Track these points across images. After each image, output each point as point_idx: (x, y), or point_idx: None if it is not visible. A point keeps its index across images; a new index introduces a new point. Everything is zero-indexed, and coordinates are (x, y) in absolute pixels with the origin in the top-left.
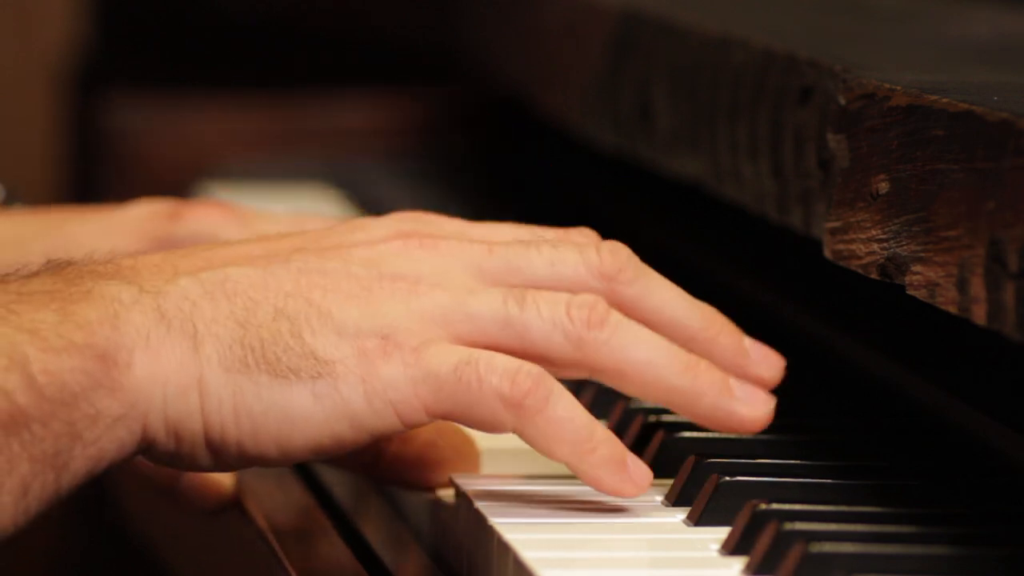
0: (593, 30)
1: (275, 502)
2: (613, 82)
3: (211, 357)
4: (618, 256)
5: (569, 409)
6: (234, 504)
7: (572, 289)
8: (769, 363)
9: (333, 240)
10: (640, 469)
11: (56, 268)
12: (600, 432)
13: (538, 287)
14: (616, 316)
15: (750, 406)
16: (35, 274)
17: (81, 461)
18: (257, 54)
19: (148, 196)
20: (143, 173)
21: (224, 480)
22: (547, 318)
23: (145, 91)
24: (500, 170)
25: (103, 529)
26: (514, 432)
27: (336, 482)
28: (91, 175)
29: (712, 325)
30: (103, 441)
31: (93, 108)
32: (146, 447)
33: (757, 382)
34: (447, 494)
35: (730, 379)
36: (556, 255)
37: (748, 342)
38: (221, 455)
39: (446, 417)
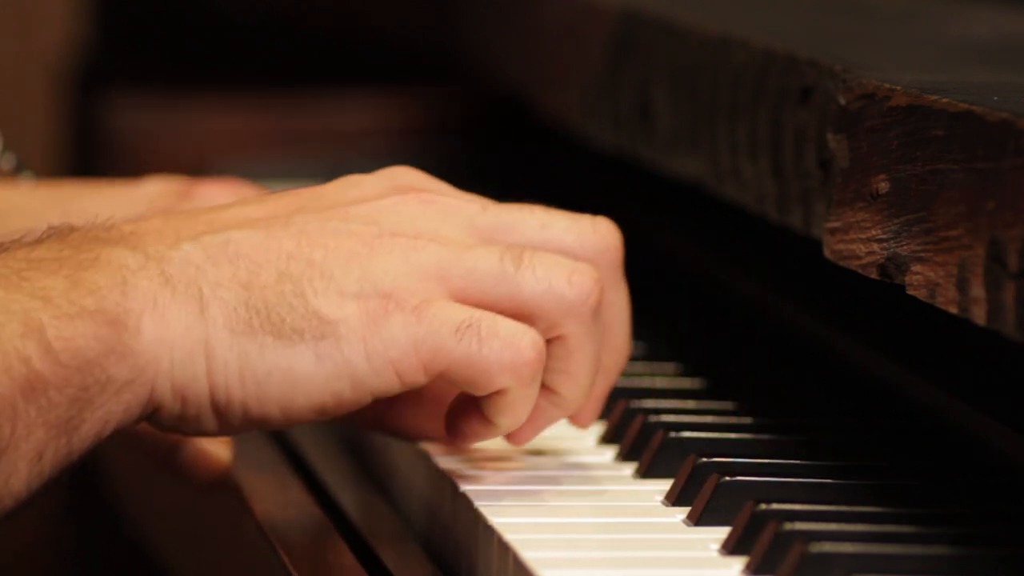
0: (593, 30)
1: (275, 501)
2: (613, 82)
3: (217, 320)
4: (611, 234)
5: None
6: (227, 481)
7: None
8: (598, 413)
9: (330, 198)
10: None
11: (61, 234)
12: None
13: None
14: (601, 306)
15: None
16: (40, 241)
17: (91, 425)
18: (257, 54)
19: None
20: (143, 173)
21: (221, 454)
22: (542, 279)
23: (145, 91)
24: (500, 170)
25: (100, 527)
26: (503, 393)
27: (336, 481)
28: (91, 175)
29: (625, 356)
30: (111, 404)
31: (93, 108)
32: (152, 411)
33: (588, 416)
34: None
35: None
36: (548, 218)
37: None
38: (226, 417)
39: (443, 376)
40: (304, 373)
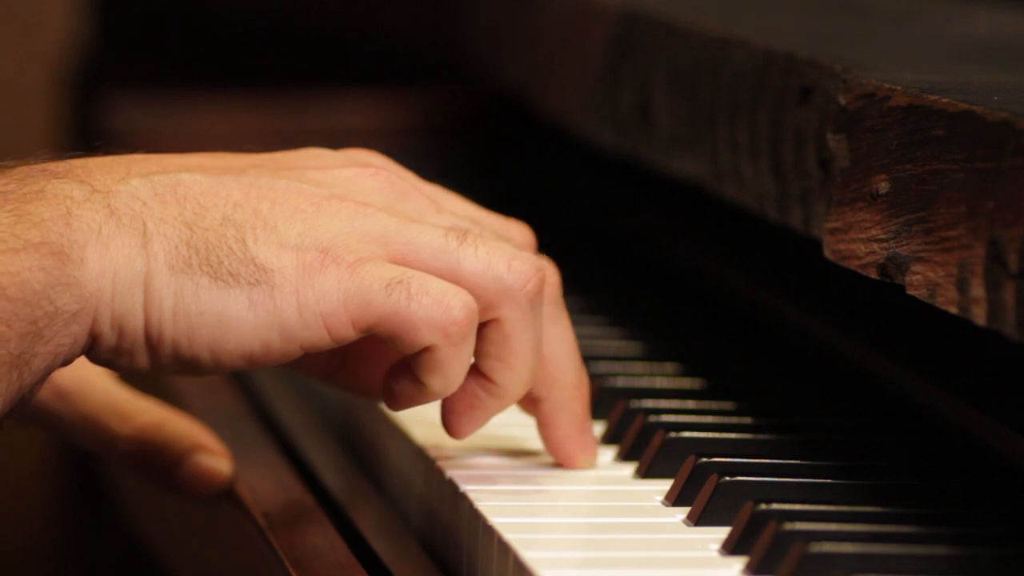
0: (593, 30)
1: (270, 494)
2: (613, 82)
3: (158, 255)
4: (553, 271)
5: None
6: (229, 493)
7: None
8: (591, 451)
9: (289, 162)
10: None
11: (5, 168)
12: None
13: None
14: (545, 301)
15: (588, 453)
16: None
17: (42, 359)
18: (257, 54)
19: None
20: None
21: (222, 468)
22: (483, 258)
23: (145, 91)
24: (500, 170)
25: (100, 526)
26: (431, 351)
27: (336, 480)
28: None
29: (579, 388)
30: (60, 336)
31: (93, 108)
32: (91, 342)
33: (571, 456)
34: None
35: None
36: (504, 227)
37: (590, 426)
38: (157, 354)
39: (372, 331)
40: (235, 317)
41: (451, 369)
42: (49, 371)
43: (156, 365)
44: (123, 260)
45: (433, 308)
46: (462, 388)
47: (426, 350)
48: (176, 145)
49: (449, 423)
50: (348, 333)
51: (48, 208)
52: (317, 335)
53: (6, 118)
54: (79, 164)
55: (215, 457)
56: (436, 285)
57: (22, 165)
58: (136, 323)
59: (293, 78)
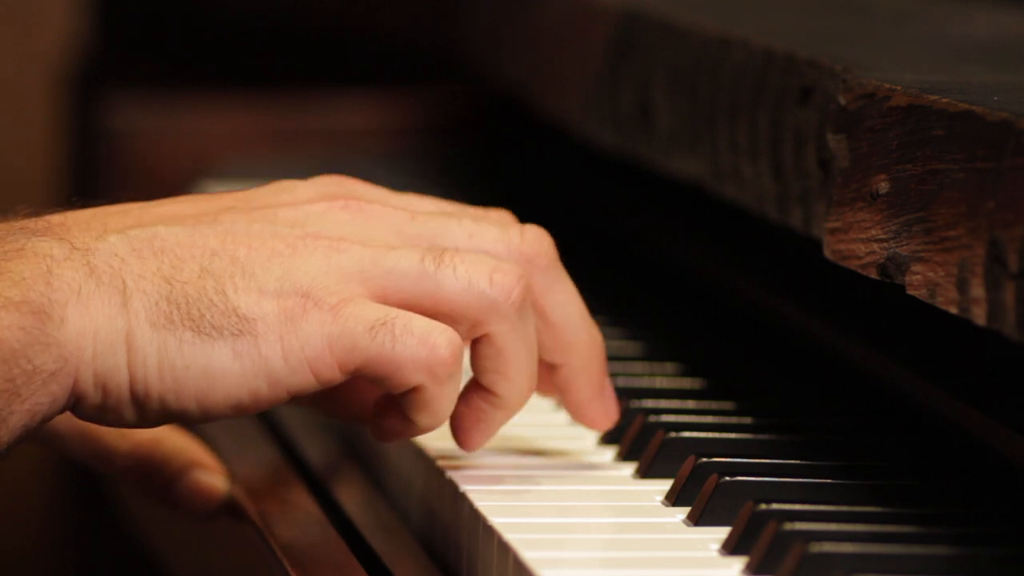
0: (593, 30)
1: (270, 495)
2: (613, 82)
3: (139, 312)
4: (539, 241)
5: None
6: (227, 508)
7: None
8: (612, 411)
9: (261, 201)
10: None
11: None
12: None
13: None
14: (527, 305)
15: (610, 413)
16: None
17: (19, 416)
18: (257, 54)
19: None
20: (143, 173)
21: (218, 484)
22: (462, 278)
23: (145, 91)
24: (500, 170)
25: (100, 526)
26: (419, 390)
27: (336, 481)
28: (91, 175)
29: (594, 348)
30: (38, 395)
31: (93, 108)
32: (75, 401)
33: (594, 419)
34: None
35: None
36: (476, 227)
37: (608, 385)
38: (145, 410)
39: (359, 373)
40: (221, 369)
41: (439, 406)
42: (26, 429)
43: (144, 419)
44: (103, 319)
45: (418, 348)
46: (467, 404)
47: (414, 389)
48: (176, 145)
49: (460, 438)
50: (335, 376)
51: (28, 267)
52: (304, 380)
53: (6, 118)
54: (58, 221)
55: (212, 474)
56: (420, 324)
57: (1, 223)
58: (121, 381)
59: (293, 78)
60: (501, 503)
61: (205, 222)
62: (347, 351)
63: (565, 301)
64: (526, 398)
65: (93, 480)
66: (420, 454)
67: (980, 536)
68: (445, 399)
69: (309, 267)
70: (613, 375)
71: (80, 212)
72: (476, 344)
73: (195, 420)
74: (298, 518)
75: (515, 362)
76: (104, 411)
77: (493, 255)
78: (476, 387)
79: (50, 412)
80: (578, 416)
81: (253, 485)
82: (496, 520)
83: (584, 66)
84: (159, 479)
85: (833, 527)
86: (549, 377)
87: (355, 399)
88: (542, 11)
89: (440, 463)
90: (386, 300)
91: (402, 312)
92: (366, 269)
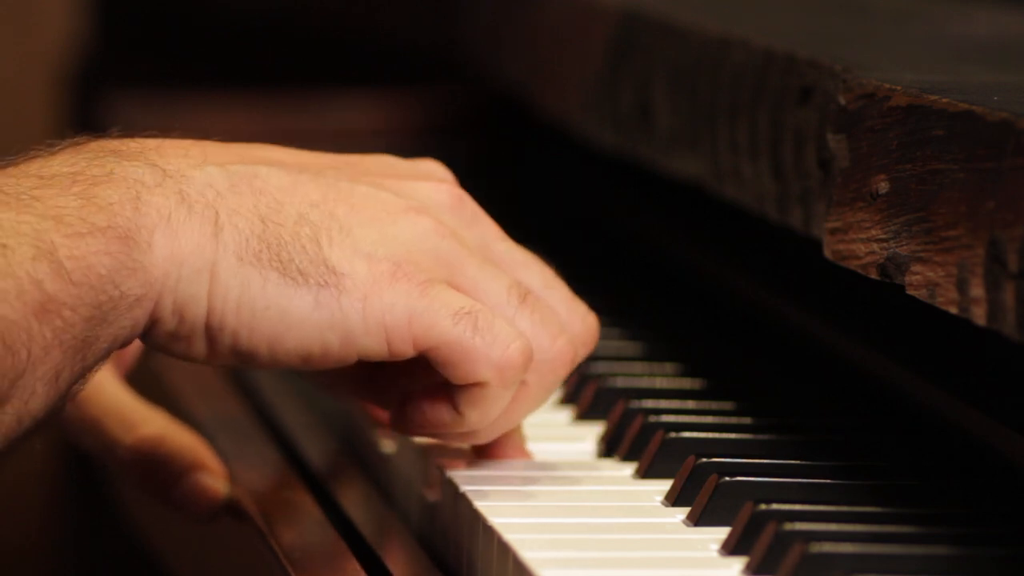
0: (593, 30)
1: (270, 495)
2: (613, 82)
3: (228, 245)
4: (595, 331)
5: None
6: (227, 510)
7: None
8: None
9: (364, 166)
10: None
11: (77, 146)
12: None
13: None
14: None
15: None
16: (54, 154)
17: (104, 342)
18: (257, 54)
19: None
20: None
21: (218, 488)
22: (536, 326)
23: (145, 91)
24: (500, 170)
25: (96, 517)
26: (481, 386)
27: (336, 481)
28: None
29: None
30: (122, 320)
31: (93, 108)
32: (150, 326)
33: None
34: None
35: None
36: (552, 280)
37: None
38: (216, 344)
39: (429, 353)
40: (299, 315)
41: (493, 407)
42: (109, 352)
43: (213, 354)
44: (191, 247)
45: (495, 346)
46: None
47: (477, 384)
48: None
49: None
50: (407, 349)
51: (116, 192)
52: (377, 345)
53: (6, 118)
54: (153, 145)
55: (213, 476)
56: (502, 324)
57: (93, 141)
58: (198, 310)
59: (293, 78)
60: (501, 503)
61: (309, 173)
62: (426, 328)
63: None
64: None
65: (93, 480)
66: (420, 454)
67: (980, 536)
68: (501, 403)
69: (407, 239)
70: (613, 375)
71: (178, 140)
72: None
73: (262, 363)
74: (298, 518)
75: (524, 410)
76: (176, 339)
77: (557, 313)
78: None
79: (130, 336)
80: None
81: (253, 485)
82: (496, 520)
83: (584, 66)
84: (161, 477)
85: (833, 527)
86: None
87: (383, 384)
88: (542, 11)
89: (440, 463)
90: None
91: (486, 308)
92: (459, 265)
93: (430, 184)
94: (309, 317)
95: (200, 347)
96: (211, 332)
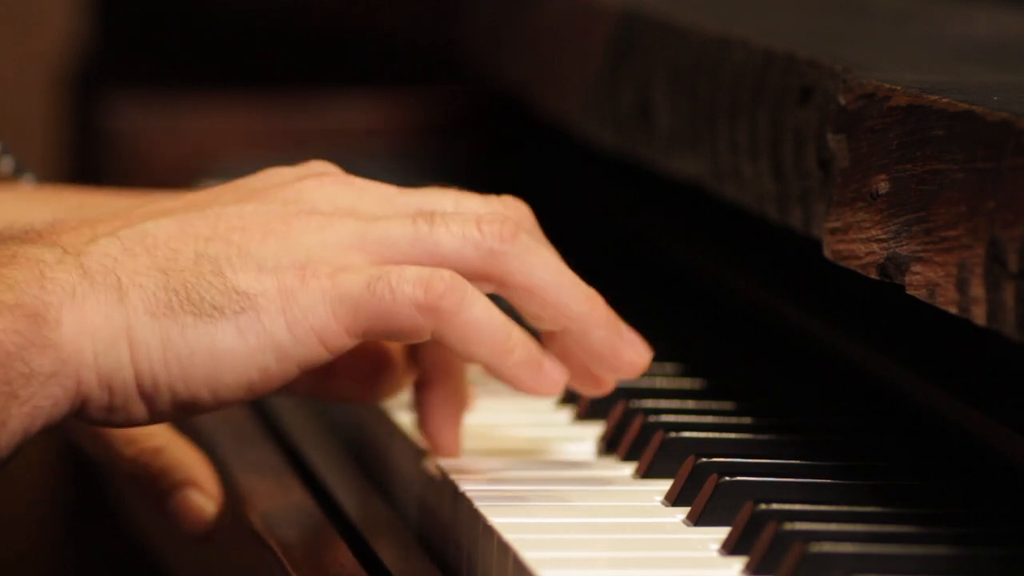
0: (593, 30)
1: (270, 495)
2: (613, 82)
3: (136, 306)
4: (519, 207)
5: (485, 310)
6: (218, 527)
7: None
8: (642, 350)
9: (249, 186)
10: (556, 369)
11: None
12: (517, 333)
13: None
14: (525, 235)
15: (636, 351)
16: None
17: (18, 420)
18: (257, 54)
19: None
20: (143, 172)
21: (206, 508)
22: (456, 233)
23: (145, 91)
24: (500, 170)
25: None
26: (434, 337)
27: (336, 481)
28: (91, 175)
29: (587, 302)
30: (37, 399)
31: (93, 108)
32: (81, 404)
33: (632, 366)
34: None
35: (620, 323)
36: (460, 196)
37: (626, 329)
38: (155, 403)
39: (367, 334)
40: (227, 349)
41: (475, 332)
42: (27, 433)
43: (155, 414)
44: (100, 318)
45: (415, 291)
46: (567, 362)
47: (444, 332)
48: (176, 145)
49: (595, 383)
50: (343, 341)
51: (21, 271)
52: (313, 350)
53: (6, 118)
54: (47, 229)
55: (204, 495)
56: (414, 271)
57: None
58: (126, 377)
59: (293, 78)
60: (501, 503)
61: (194, 211)
62: (351, 313)
63: (544, 266)
64: (587, 294)
65: (93, 480)
66: (420, 454)
67: (980, 536)
68: (476, 323)
69: (305, 241)
70: None
71: (66, 220)
72: (507, 294)
73: (208, 407)
74: (298, 518)
75: (548, 278)
76: (113, 411)
77: (480, 213)
78: (550, 339)
79: (53, 415)
80: (612, 369)
81: (253, 485)
82: (496, 520)
83: (584, 66)
84: (157, 489)
85: (833, 527)
86: (573, 352)
87: (351, 375)
88: (542, 11)
89: (440, 463)
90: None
91: (394, 266)
92: (361, 238)
93: (313, 181)
94: (237, 347)
95: (140, 412)
96: (146, 394)
